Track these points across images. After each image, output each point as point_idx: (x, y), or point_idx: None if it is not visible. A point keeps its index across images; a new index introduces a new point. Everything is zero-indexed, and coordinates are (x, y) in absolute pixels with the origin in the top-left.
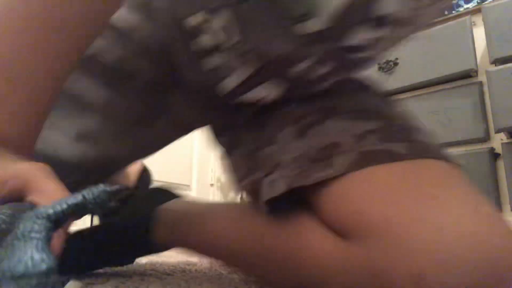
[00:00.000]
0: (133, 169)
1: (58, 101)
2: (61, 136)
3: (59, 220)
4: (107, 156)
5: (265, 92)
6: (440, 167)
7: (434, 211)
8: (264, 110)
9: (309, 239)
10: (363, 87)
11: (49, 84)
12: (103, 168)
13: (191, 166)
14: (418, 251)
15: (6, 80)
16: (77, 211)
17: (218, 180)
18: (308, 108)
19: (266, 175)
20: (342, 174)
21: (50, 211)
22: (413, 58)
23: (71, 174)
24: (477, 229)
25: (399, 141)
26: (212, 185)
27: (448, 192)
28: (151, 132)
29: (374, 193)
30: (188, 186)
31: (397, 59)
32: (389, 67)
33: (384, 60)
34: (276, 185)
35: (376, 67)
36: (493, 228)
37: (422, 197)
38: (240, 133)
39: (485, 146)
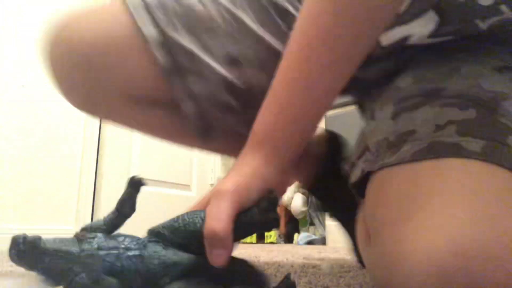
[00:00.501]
0: (322, 137)
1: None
2: (212, 58)
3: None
4: (250, 84)
5: (414, 28)
6: (500, 178)
7: (422, 229)
8: (382, 81)
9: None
10: (501, 68)
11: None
12: (245, 95)
13: (191, 166)
14: (395, 270)
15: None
16: (114, 224)
17: (218, 180)
18: (415, 89)
19: (358, 158)
20: (395, 164)
21: (88, 226)
22: None
23: (218, 95)
24: (443, 270)
25: (480, 137)
26: (212, 185)
27: (463, 210)
28: None
29: (392, 196)
30: (188, 186)
31: None
32: None
33: None
34: (357, 170)
35: None
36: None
37: (427, 209)
38: (364, 104)
39: None
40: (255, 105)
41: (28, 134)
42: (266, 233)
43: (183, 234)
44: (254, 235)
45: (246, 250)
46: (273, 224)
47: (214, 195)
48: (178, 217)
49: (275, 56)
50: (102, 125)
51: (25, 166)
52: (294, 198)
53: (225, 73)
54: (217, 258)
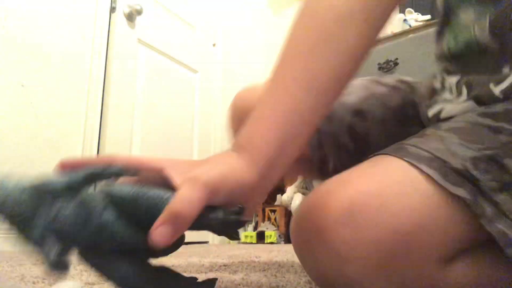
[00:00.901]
0: None
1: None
2: (342, 108)
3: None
4: (368, 134)
5: (450, 103)
6: (388, 163)
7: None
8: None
9: None
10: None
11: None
12: (362, 142)
13: None
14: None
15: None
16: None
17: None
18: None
19: None
20: None
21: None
22: (413, 58)
23: (339, 135)
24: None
25: (396, 144)
26: None
27: (359, 178)
28: (407, 133)
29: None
30: None
31: (397, 59)
32: (389, 67)
33: (384, 60)
34: None
35: (376, 66)
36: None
37: (344, 179)
38: None
39: None
40: (367, 152)
41: (28, 134)
42: (266, 233)
43: (141, 213)
44: (254, 235)
45: (247, 250)
46: (228, 236)
47: (191, 180)
48: (143, 194)
49: (394, 114)
50: (102, 125)
51: (25, 166)
52: (294, 198)
53: (350, 120)
54: (162, 236)
